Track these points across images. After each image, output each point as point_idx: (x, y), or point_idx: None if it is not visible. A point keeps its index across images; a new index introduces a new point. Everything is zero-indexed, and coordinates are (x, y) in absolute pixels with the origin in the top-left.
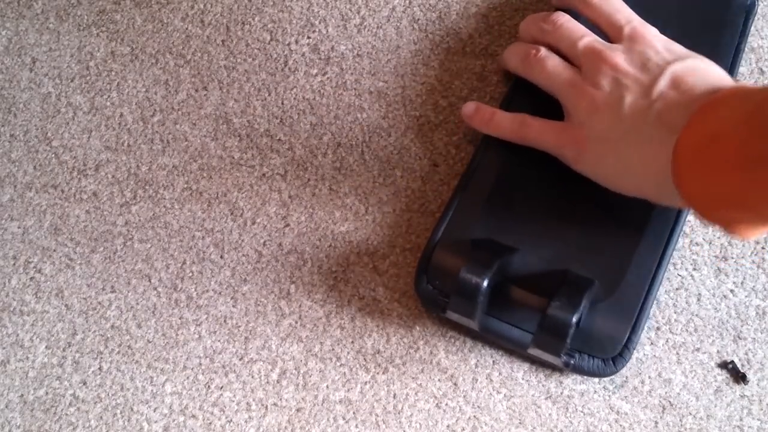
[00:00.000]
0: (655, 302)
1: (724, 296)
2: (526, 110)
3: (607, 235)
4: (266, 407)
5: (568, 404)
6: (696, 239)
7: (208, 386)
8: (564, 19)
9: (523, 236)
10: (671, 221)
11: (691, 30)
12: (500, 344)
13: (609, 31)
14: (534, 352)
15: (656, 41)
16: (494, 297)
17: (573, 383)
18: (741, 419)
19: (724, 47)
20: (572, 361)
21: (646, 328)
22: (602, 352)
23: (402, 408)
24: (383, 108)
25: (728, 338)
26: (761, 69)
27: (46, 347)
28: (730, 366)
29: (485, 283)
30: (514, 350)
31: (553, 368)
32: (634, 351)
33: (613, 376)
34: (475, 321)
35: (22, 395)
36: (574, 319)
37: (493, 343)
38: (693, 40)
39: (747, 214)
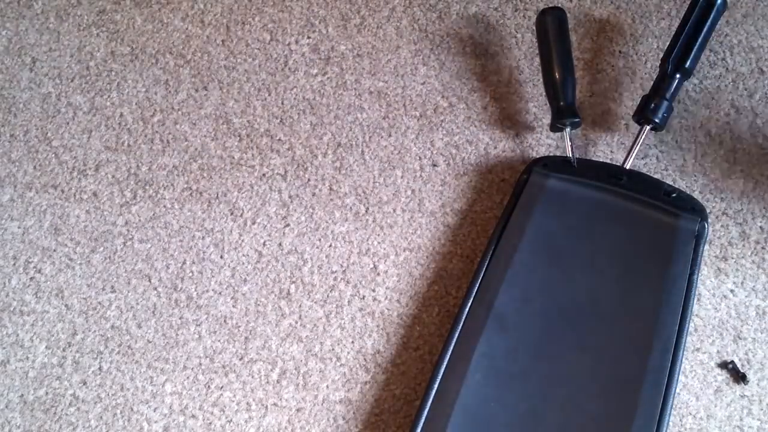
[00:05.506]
0: None
1: (724, 296)
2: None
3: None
4: (266, 407)
5: None
6: None
7: (208, 386)
8: None
9: None
10: (658, 405)
11: (638, 263)
12: None
13: None
14: None
15: None
16: None
17: None
18: (741, 419)
19: (675, 279)
20: None
21: None
22: None
23: (402, 408)
24: (383, 108)
25: (728, 338)
26: (761, 69)
27: (46, 347)
28: (730, 366)
29: None
30: None
31: None
32: None
33: None
34: None
35: (22, 395)
36: None
37: None
38: (642, 274)
39: None
